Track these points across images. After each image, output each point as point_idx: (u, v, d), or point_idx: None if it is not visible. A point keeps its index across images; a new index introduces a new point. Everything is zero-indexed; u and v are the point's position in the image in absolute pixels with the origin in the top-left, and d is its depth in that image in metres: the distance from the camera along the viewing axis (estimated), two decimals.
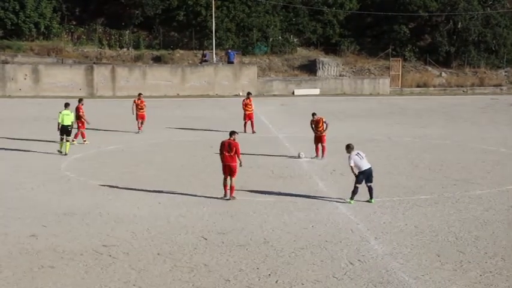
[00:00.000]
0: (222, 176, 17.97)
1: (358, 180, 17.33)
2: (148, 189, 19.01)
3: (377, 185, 19.67)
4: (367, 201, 17.48)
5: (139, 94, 32.23)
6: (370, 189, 17.43)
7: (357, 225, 15.47)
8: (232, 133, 18.06)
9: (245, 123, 31.13)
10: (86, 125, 27.48)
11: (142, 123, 30.92)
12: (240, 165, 18.04)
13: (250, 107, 31.32)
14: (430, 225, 15.51)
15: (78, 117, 27.12)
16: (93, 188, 19.29)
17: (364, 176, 17.28)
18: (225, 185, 17.90)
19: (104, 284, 11.78)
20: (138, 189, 18.97)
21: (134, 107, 31.09)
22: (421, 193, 18.79)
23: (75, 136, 26.93)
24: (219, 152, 18.05)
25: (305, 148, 25.15)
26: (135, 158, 24.32)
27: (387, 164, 23.23)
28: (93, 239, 14.26)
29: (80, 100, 27.89)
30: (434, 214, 16.52)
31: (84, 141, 27.13)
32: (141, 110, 30.98)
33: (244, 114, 31.28)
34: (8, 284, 11.75)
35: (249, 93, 32.77)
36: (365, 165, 17.29)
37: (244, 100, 31.94)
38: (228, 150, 17.73)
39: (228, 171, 17.78)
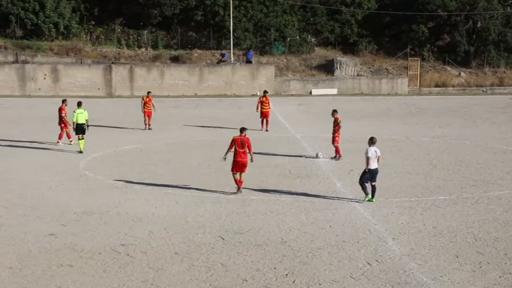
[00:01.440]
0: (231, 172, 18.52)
1: (364, 179, 17.42)
2: (166, 188, 19.09)
3: (395, 185, 19.64)
4: (369, 200, 17.44)
5: (148, 92, 33.28)
6: (373, 189, 17.45)
7: (374, 226, 15.41)
8: (243, 129, 18.51)
9: (262, 121, 31.76)
10: (69, 126, 26.43)
11: (149, 120, 31.86)
12: (251, 161, 18.45)
13: (266, 105, 31.74)
14: (449, 225, 15.41)
15: (60, 118, 26.62)
16: (112, 187, 19.39)
17: (370, 175, 17.33)
18: (237, 181, 18.36)
19: (122, 282, 11.84)
20: (156, 189, 19.05)
21: (142, 104, 32.13)
22: (440, 193, 18.68)
23: (59, 137, 26.61)
24: (229, 148, 18.42)
25: (323, 148, 25.10)
26: (153, 158, 24.42)
27: (406, 164, 23.12)
28: (111, 238, 14.34)
29: (64, 101, 27.25)
30: (453, 215, 16.41)
31: (71, 141, 26.42)
32: (148, 108, 31.86)
33: (261, 112, 31.76)
34: (27, 282, 11.86)
35: (265, 92, 33.52)
36: (373, 165, 17.32)
37: (260, 98, 32.66)
38: (241, 147, 18.13)
39: (240, 167, 18.19)
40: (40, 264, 12.69)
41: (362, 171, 17.61)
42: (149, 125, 31.73)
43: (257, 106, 32.33)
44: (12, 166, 22.47)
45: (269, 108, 31.90)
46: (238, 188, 18.37)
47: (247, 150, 18.18)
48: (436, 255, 13.32)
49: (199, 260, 12.97)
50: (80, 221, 15.74)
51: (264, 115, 31.76)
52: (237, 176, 18.30)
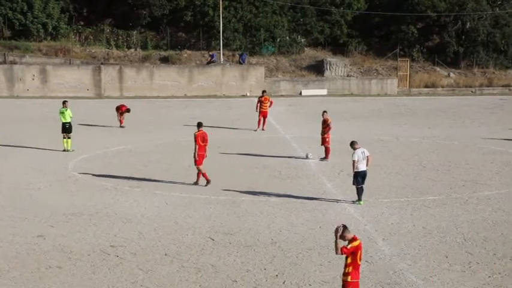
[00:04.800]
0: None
1: (356, 182, 17.44)
2: (155, 189, 19.02)
3: (385, 185, 19.66)
4: (355, 201, 17.47)
5: None
6: (361, 190, 17.43)
7: (364, 226, 15.42)
8: (201, 124, 19.66)
9: (259, 120, 32.00)
10: None
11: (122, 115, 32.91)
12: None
13: (265, 104, 32.02)
14: (438, 226, 15.44)
15: None
16: (101, 188, 19.30)
17: (360, 177, 17.33)
18: (205, 174, 19.25)
19: (111, 284, 11.78)
20: (146, 190, 18.98)
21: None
22: (429, 194, 18.72)
23: None
24: (196, 144, 19.20)
25: (313, 149, 25.10)
26: (142, 159, 24.33)
27: (395, 164, 23.15)
28: (100, 240, 14.27)
29: None
30: (443, 215, 16.45)
31: None
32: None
33: (259, 112, 32.05)
34: (15, 284, 11.77)
35: (263, 91, 33.69)
36: (362, 167, 17.34)
37: (259, 98, 32.94)
38: (203, 141, 19.23)
39: (203, 159, 19.26)
40: (28, 266, 12.61)
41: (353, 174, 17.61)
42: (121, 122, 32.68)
43: (256, 106, 32.57)
44: (1, 167, 22.32)
45: (268, 107, 32.19)
46: (197, 181, 19.31)
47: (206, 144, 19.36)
48: (425, 255, 13.34)
49: (189, 261, 12.93)
50: (68, 222, 15.66)
51: (262, 114, 32.05)
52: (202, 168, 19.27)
